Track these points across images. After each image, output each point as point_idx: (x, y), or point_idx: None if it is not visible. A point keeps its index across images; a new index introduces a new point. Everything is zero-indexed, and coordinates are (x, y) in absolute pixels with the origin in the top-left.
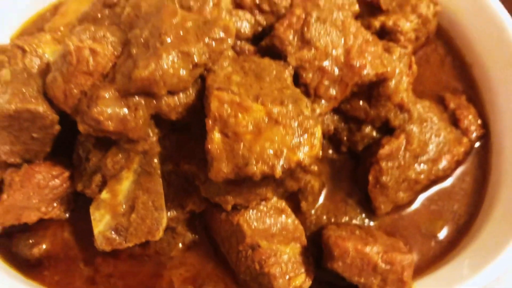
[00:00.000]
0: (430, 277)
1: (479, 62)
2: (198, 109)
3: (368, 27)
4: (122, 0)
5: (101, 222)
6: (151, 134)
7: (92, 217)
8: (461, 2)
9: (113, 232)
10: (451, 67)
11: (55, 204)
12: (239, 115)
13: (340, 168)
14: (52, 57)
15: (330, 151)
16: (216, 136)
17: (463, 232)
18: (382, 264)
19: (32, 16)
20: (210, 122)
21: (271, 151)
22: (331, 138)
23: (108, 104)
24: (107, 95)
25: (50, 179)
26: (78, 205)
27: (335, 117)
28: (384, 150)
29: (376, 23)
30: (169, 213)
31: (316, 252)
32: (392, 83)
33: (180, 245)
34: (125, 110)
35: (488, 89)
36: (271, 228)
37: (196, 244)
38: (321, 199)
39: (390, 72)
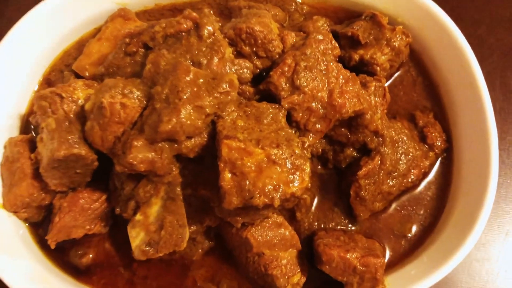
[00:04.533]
0: (402, 270)
1: (445, 83)
2: (210, 146)
3: (349, 59)
4: (140, 49)
5: (137, 238)
6: (173, 169)
7: (129, 235)
8: (430, 31)
9: (147, 246)
10: (421, 87)
11: (96, 222)
12: (244, 158)
13: (327, 181)
14: (85, 101)
15: (319, 167)
16: (227, 175)
17: (428, 231)
18: (360, 266)
19: (59, 53)
20: (221, 164)
21: (271, 187)
22: (319, 157)
23: (140, 151)
24: (138, 144)
25: (92, 203)
26: (116, 221)
27: (323, 140)
28: (362, 172)
29: (356, 56)
30: (190, 228)
31: (309, 252)
32: (368, 115)
33: (200, 250)
34: (153, 154)
35: (451, 108)
36: (272, 240)
37: (213, 250)
38: (313, 209)
39: (365, 108)
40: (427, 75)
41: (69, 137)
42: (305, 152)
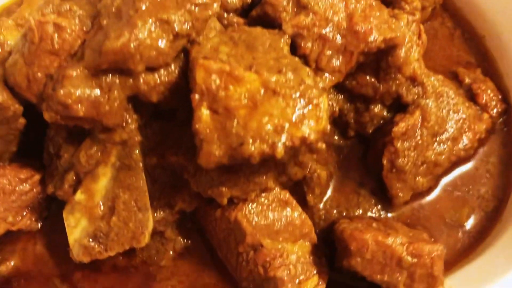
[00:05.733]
0: (461, 272)
1: (493, 32)
2: (184, 91)
3: None
4: None
5: (76, 228)
6: (129, 121)
7: (66, 223)
8: None
9: (91, 240)
10: (461, 41)
11: (24, 213)
12: (230, 87)
13: (348, 155)
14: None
15: (336, 137)
16: (204, 113)
17: (493, 219)
18: (408, 257)
19: None
20: (196, 96)
21: (270, 127)
22: (336, 122)
23: (77, 85)
24: (74, 74)
25: (17, 184)
26: (53, 212)
27: (340, 97)
28: (399, 128)
29: None
30: (155, 214)
31: (328, 252)
32: (402, 52)
33: (171, 252)
34: (97, 91)
35: (505, 61)
36: (274, 224)
37: (189, 251)
38: (329, 192)
39: (399, 38)
40: (467, 26)
41: None
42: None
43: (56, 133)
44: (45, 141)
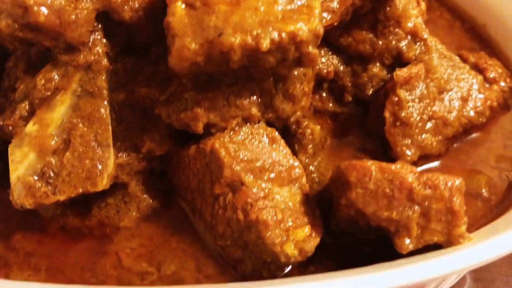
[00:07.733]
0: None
1: (494, 19)
2: (161, 17)
3: None
4: None
5: (21, 163)
6: (97, 42)
7: (10, 159)
8: None
9: (37, 178)
10: (462, 30)
11: None
12: None
13: (345, 123)
14: None
15: (331, 104)
16: (179, 7)
17: None
18: (420, 187)
19: None
20: None
21: (256, 19)
22: (330, 87)
23: None
24: None
25: None
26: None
27: (335, 57)
28: (402, 73)
29: None
30: (119, 157)
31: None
32: (401, 2)
33: (134, 213)
34: None
35: (510, 43)
36: (258, 159)
37: (157, 213)
38: (323, 156)
39: None
40: (466, 17)
41: None
42: None
43: (14, 65)
44: (2, 78)
